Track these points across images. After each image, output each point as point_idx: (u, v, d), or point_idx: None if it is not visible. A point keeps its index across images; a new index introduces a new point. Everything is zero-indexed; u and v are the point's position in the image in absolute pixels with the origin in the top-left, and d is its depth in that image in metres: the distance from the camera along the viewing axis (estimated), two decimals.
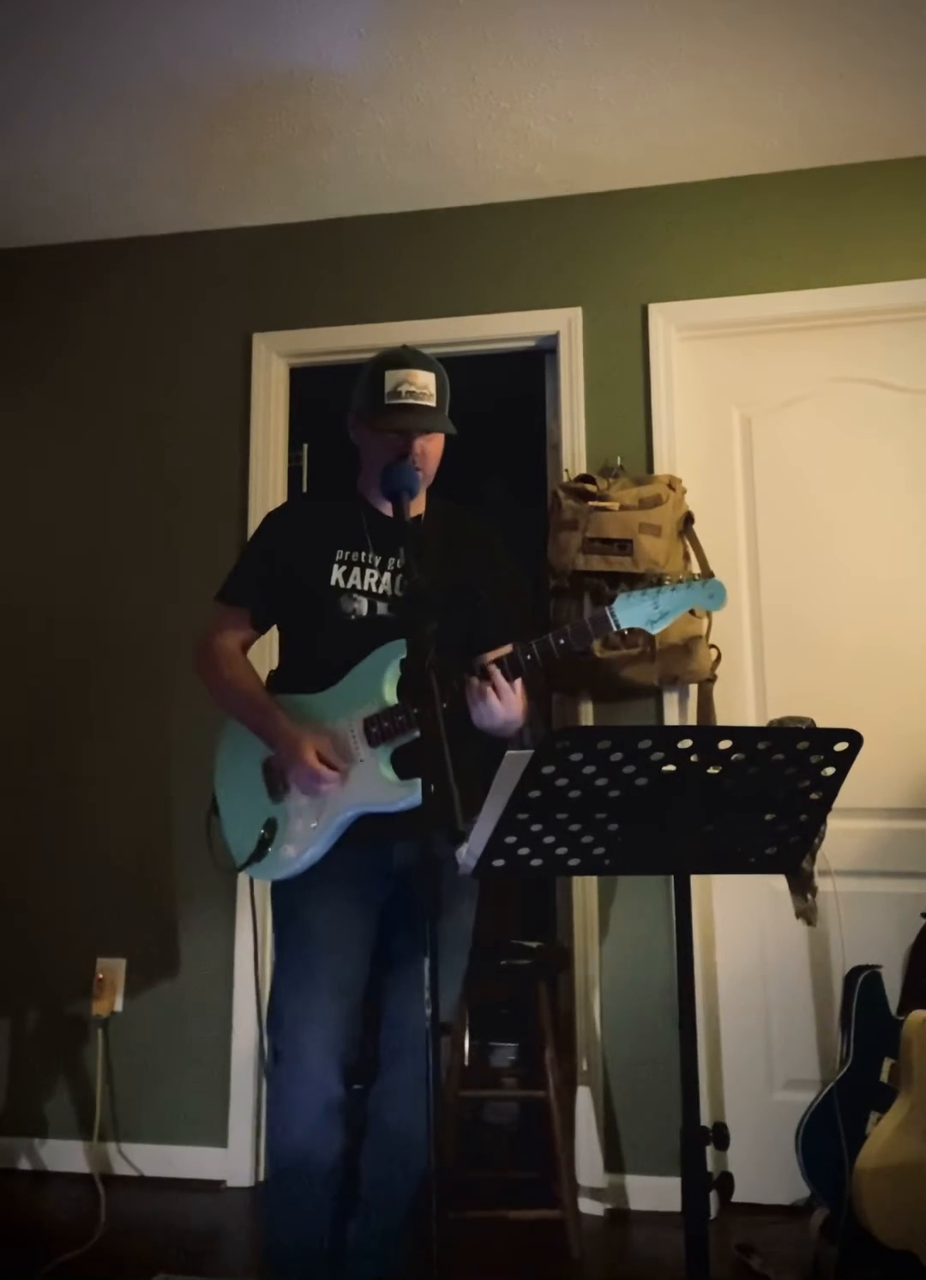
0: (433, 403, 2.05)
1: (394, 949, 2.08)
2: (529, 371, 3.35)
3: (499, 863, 1.60)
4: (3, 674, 3.35)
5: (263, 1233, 2.32)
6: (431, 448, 2.10)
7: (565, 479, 3.04)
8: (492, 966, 2.65)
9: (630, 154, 3.08)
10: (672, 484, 2.92)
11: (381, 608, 2.09)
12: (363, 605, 2.09)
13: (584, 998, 2.91)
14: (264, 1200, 2.29)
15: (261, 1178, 2.90)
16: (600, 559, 2.81)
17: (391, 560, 2.12)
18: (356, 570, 2.11)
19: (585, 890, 2.95)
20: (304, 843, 2.02)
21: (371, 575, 2.11)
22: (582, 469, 3.07)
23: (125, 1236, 2.65)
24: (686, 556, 2.92)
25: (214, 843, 2.13)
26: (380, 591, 2.10)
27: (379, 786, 1.98)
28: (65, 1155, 3.06)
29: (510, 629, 2.06)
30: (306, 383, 3.38)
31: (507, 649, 1.96)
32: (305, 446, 3.49)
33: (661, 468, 3.05)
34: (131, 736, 3.24)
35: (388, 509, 2.09)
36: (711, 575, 1.99)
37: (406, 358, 2.08)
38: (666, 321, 3.15)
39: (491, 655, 1.95)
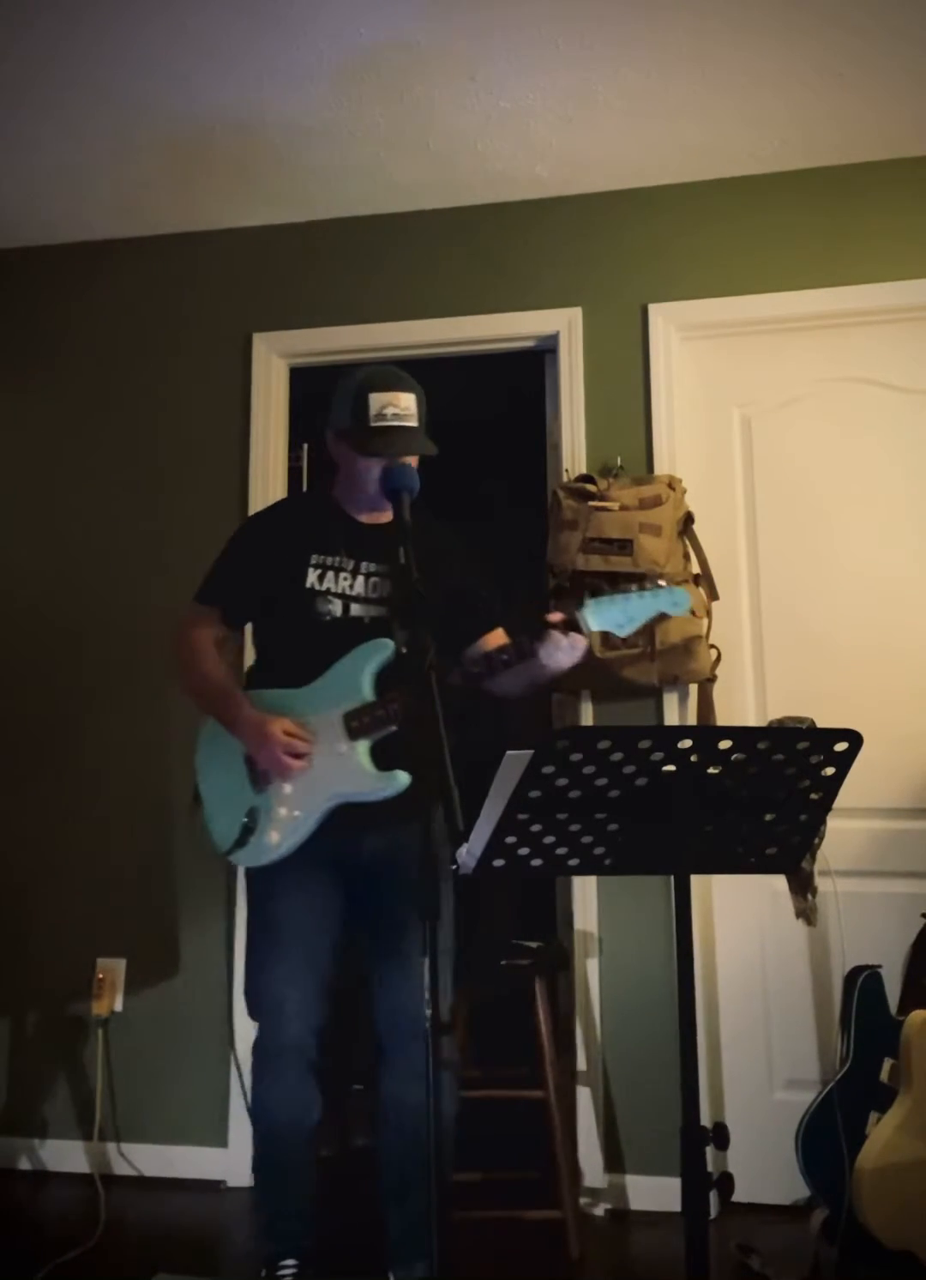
0: (415, 423, 2.18)
1: (374, 941, 2.19)
2: (529, 371, 3.35)
3: (499, 863, 1.61)
4: (3, 675, 3.35)
5: (256, 1191, 2.47)
6: (411, 464, 2.21)
7: (565, 479, 3.04)
8: (493, 966, 2.65)
9: (630, 154, 3.08)
10: (672, 484, 2.92)
11: (354, 609, 2.23)
12: (337, 607, 2.23)
13: (584, 998, 2.91)
14: (254, 1169, 2.44)
15: None
16: (600, 559, 2.81)
17: (363, 565, 2.26)
18: (331, 574, 2.25)
19: (585, 890, 2.95)
20: (286, 830, 2.14)
21: (345, 578, 2.25)
22: (583, 469, 3.06)
23: (125, 1236, 2.65)
24: (686, 556, 2.91)
25: (197, 831, 2.27)
26: (354, 594, 2.24)
27: (360, 777, 2.10)
28: (65, 1155, 3.07)
29: (497, 621, 2.29)
30: (306, 383, 3.38)
31: (501, 633, 2.24)
32: (305, 446, 3.49)
33: (661, 468, 3.05)
34: (132, 738, 3.24)
35: (362, 516, 2.28)
36: (680, 583, 2.16)
37: (389, 380, 2.18)
38: (666, 321, 3.15)
39: (491, 645, 2.22)
